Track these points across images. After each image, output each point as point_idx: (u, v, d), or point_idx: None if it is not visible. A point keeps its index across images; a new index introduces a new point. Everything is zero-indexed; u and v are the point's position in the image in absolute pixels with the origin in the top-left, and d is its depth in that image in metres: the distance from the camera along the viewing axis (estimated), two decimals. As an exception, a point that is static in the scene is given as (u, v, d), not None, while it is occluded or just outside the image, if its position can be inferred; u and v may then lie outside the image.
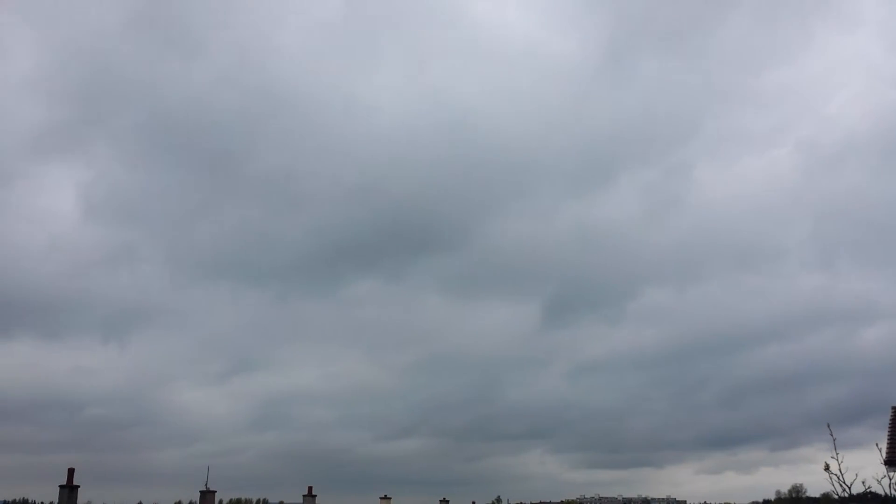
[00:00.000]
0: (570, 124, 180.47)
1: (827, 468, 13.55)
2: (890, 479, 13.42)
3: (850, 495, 13.46)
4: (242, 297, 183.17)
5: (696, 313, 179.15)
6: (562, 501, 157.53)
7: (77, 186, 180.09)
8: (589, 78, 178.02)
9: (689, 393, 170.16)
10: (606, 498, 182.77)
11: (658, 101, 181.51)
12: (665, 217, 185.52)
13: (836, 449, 13.56)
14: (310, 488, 34.24)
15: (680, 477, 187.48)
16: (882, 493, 13.48)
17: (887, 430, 31.96)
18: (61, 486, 23.58)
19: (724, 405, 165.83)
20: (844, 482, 13.34)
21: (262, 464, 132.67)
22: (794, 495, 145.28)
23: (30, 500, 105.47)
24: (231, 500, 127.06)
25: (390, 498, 38.50)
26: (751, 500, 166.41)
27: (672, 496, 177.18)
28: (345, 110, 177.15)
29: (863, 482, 13.47)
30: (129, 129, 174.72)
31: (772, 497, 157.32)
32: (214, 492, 29.73)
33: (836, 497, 13.87)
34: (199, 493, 29.70)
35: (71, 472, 23.74)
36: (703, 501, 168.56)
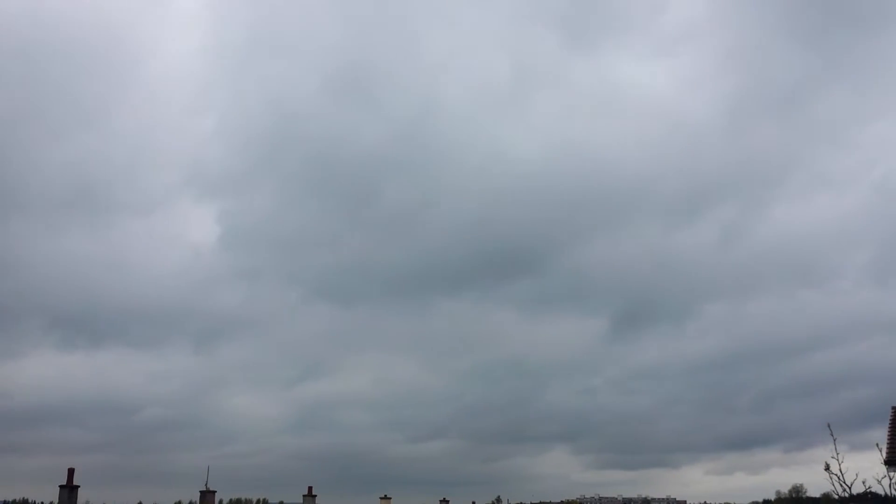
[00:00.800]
0: (677, 170, 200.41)
1: (827, 468, 13.56)
2: (890, 479, 13.42)
3: (851, 495, 13.46)
4: (333, 314, 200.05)
5: (749, 326, 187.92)
6: (561, 501, 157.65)
7: (222, 217, 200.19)
8: (706, 131, 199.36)
9: (723, 398, 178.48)
10: (606, 498, 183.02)
11: (758, 152, 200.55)
12: (734, 244, 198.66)
13: (836, 449, 13.58)
14: (310, 488, 34.21)
15: (691, 477, 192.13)
16: (882, 493, 13.49)
17: (887, 430, 31.97)
18: (61, 486, 23.53)
19: (753, 410, 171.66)
20: (845, 482, 13.35)
21: (283, 464, 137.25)
22: (794, 495, 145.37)
23: (30, 500, 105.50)
24: (231, 500, 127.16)
25: (390, 498, 38.52)
26: (752, 501, 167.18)
27: (672, 496, 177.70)
28: (488, 157, 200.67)
29: (863, 482, 13.48)
30: (291, 172, 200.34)
31: (772, 497, 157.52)
32: (214, 492, 29.67)
33: (836, 497, 13.87)
34: (199, 494, 29.72)
35: (71, 472, 23.70)
36: (703, 501, 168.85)
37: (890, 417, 32.23)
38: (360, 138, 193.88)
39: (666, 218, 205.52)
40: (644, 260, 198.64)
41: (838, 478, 13.37)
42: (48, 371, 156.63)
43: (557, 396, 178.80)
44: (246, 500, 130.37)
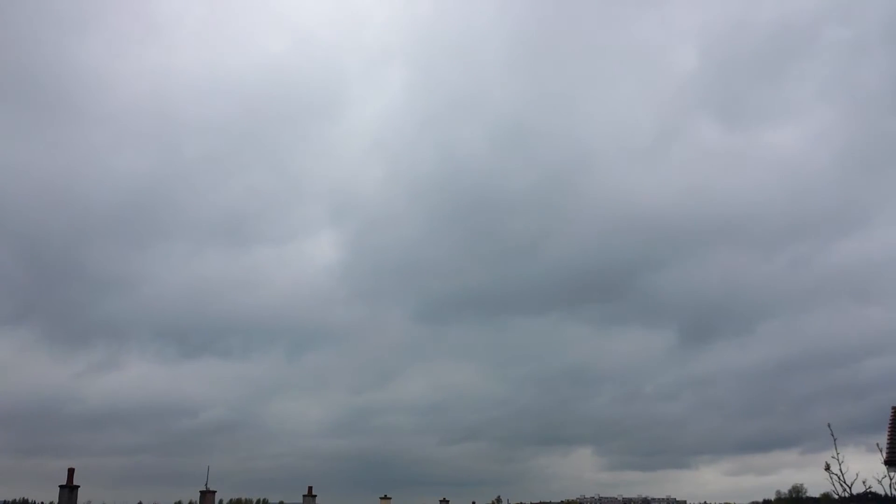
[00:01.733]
0: (779, 211, 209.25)
1: (827, 468, 13.58)
2: (890, 479, 13.43)
3: (851, 495, 13.48)
4: (419, 331, 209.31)
5: (800, 338, 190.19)
6: (562, 501, 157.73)
7: (359, 248, 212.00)
8: (814, 179, 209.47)
9: (758, 403, 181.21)
10: (606, 497, 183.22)
11: (850, 196, 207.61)
12: (802, 269, 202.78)
13: (836, 449, 13.60)
14: (310, 488, 34.23)
15: (706, 478, 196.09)
16: (882, 493, 13.50)
17: (887, 430, 31.94)
18: (61, 487, 23.52)
19: (783, 414, 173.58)
20: (845, 482, 13.37)
21: (302, 465, 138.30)
22: (794, 495, 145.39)
23: (30, 501, 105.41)
24: (231, 500, 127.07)
25: (390, 498, 38.57)
26: (752, 500, 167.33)
27: (672, 496, 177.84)
28: (610, 200, 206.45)
29: (863, 482, 13.50)
30: (441, 214, 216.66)
31: (772, 497, 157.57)
32: (214, 492, 29.72)
33: (836, 497, 13.89)
34: (199, 494, 29.75)
35: (71, 472, 23.71)
36: (703, 501, 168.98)
37: (890, 418, 32.21)
38: (507, 183, 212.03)
39: (751, 249, 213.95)
40: (718, 284, 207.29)
41: (838, 478, 13.39)
42: (133, 380, 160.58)
43: (602, 402, 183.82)
44: (246, 500, 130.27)
